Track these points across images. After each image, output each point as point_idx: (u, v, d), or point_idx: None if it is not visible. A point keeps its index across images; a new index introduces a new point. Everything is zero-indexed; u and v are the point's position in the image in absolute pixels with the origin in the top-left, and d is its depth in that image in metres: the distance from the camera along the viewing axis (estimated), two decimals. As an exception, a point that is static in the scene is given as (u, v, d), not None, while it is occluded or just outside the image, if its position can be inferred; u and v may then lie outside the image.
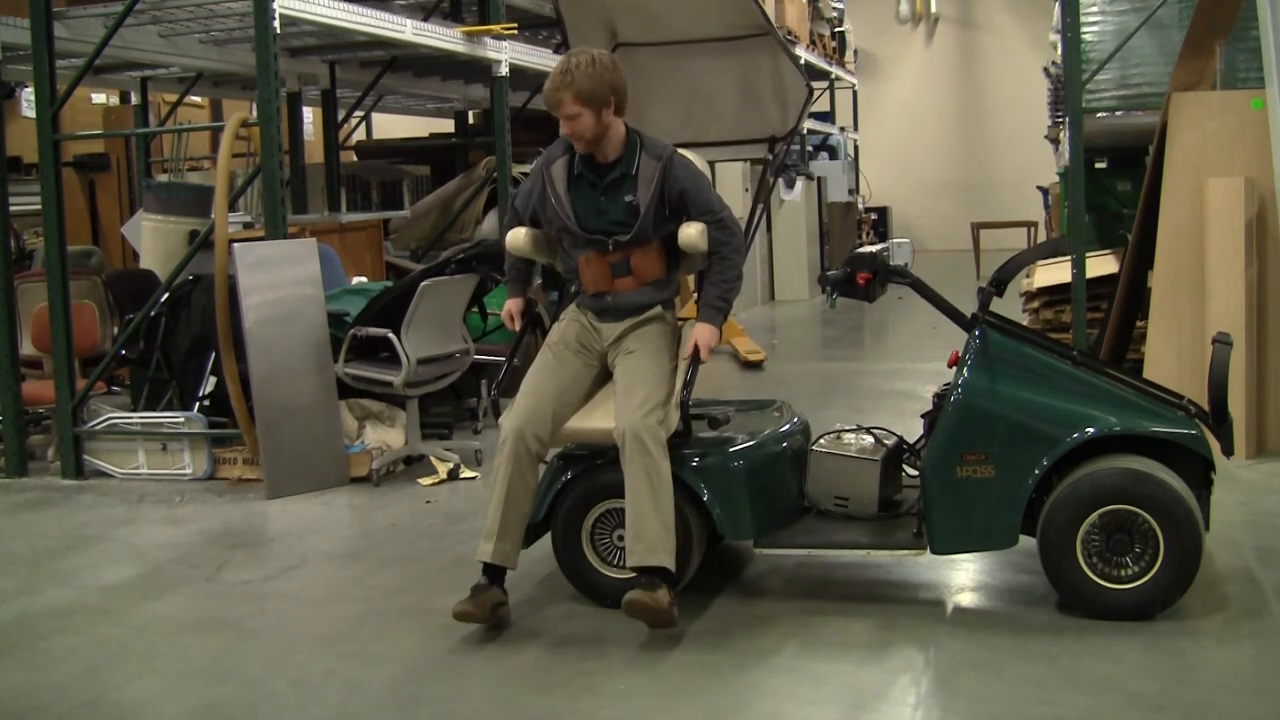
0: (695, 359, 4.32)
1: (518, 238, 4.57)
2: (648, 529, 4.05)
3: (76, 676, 4.02)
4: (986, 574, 4.63)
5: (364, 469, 6.52)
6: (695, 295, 4.55)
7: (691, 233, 4.33)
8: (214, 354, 6.80)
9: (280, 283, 6.42)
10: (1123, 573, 4.03)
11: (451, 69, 10.76)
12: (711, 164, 4.92)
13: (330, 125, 10.67)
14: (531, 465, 4.23)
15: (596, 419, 4.33)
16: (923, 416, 4.49)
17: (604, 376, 4.49)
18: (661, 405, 4.21)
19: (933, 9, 23.17)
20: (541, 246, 4.62)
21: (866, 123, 22.61)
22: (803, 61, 17.37)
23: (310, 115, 12.56)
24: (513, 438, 4.20)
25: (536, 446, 4.23)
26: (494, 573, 4.24)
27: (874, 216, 20.85)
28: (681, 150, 4.46)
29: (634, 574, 4.10)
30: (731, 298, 4.39)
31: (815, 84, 20.64)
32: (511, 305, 4.62)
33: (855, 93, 22.32)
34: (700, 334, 4.32)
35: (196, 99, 12.09)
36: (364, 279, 8.36)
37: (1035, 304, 8.51)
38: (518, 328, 4.61)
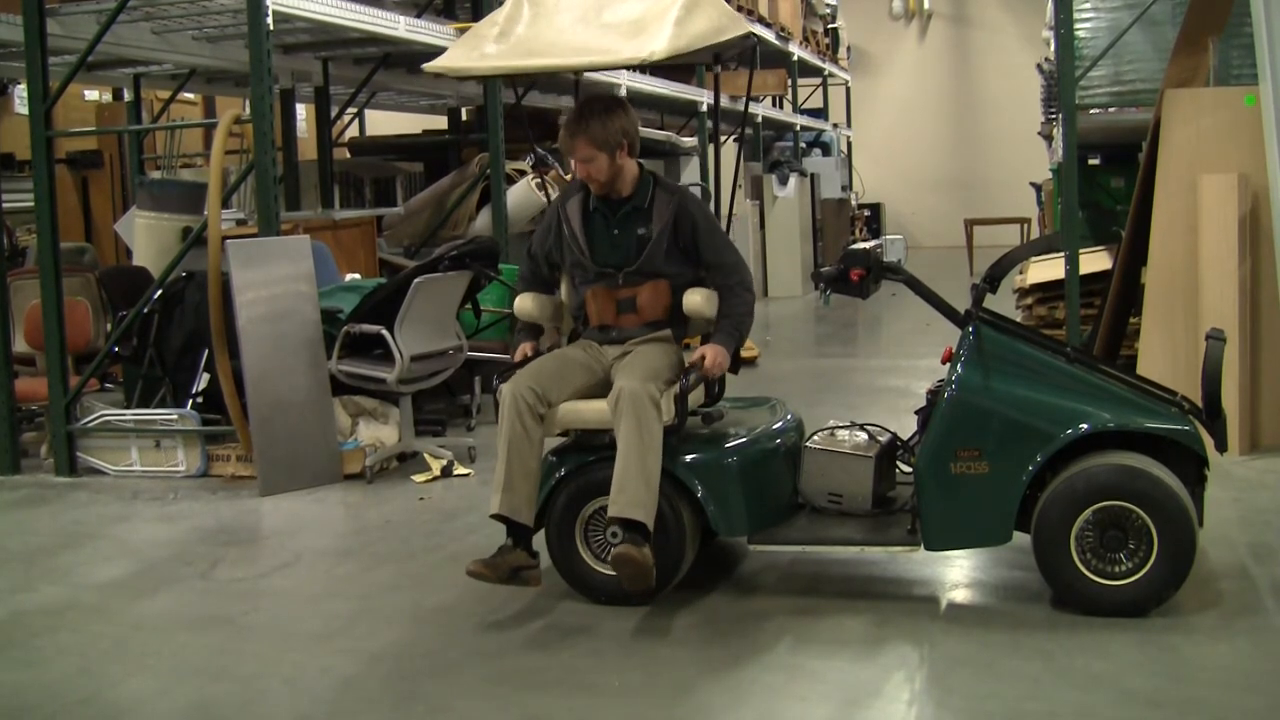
0: (700, 365, 4.38)
1: (525, 304, 4.74)
2: (631, 483, 4.12)
3: (70, 674, 4.01)
4: (981, 570, 4.63)
5: (357, 466, 6.51)
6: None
7: (697, 300, 4.50)
8: (207, 351, 6.78)
9: (274, 280, 6.41)
10: (1117, 569, 4.03)
11: (445, 65, 10.72)
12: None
13: (324, 122, 10.64)
14: (532, 418, 4.28)
15: (595, 403, 4.36)
16: (916, 413, 4.49)
17: (606, 388, 4.47)
18: (663, 383, 4.27)
19: (925, 5, 23.18)
20: (547, 312, 4.77)
21: (860, 119, 22.64)
22: (796, 58, 17.39)
23: (303, 112, 12.54)
24: (509, 395, 4.29)
25: (533, 399, 4.28)
26: (517, 533, 4.31)
27: (867, 213, 20.88)
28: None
29: (612, 528, 4.22)
30: (743, 330, 4.53)
31: (809, 81, 20.48)
32: (525, 348, 4.71)
33: (848, 89, 22.35)
34: (709, 349, 4.42)
35: (190, 96, 12.07)
36: (357, 276, 8.34)
37: (1029, 300, 8.52)
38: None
